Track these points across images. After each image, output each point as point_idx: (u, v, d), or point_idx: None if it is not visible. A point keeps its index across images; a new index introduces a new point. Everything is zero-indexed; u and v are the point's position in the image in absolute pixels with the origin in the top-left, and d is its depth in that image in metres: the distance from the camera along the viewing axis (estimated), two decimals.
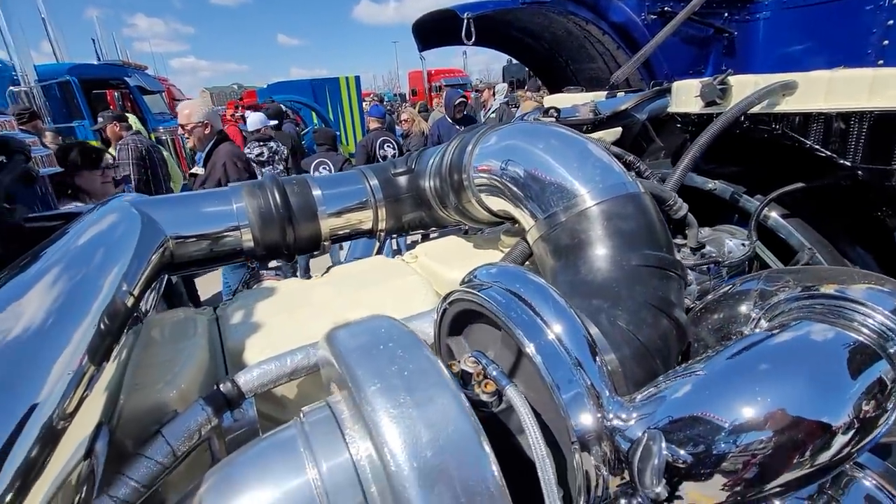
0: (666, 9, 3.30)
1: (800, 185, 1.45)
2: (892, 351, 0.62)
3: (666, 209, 1.27)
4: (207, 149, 4.02)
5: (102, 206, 1.32)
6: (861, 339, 0.61)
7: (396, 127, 8.62)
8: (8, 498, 0.43)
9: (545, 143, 1.09)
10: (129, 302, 0.91)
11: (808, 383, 0.55)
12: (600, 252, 0.90)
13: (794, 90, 1.33)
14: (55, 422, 0.54)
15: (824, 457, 0.56)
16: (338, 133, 10.04)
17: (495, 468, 0.53)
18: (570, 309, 0.70)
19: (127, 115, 7.15)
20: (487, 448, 0.53)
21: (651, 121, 2.14)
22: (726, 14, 3.42)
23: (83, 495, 0.56)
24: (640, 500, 0.62)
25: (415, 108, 11.14)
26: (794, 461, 0.54)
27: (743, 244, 1.44)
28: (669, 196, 1.26)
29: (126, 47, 17.12)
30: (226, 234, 1.45)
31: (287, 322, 1.19)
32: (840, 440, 0.55)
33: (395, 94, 40.34)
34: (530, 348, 0.65)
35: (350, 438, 0.60)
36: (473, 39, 2.67)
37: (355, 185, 1.66)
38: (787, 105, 1.37)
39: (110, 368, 0.74)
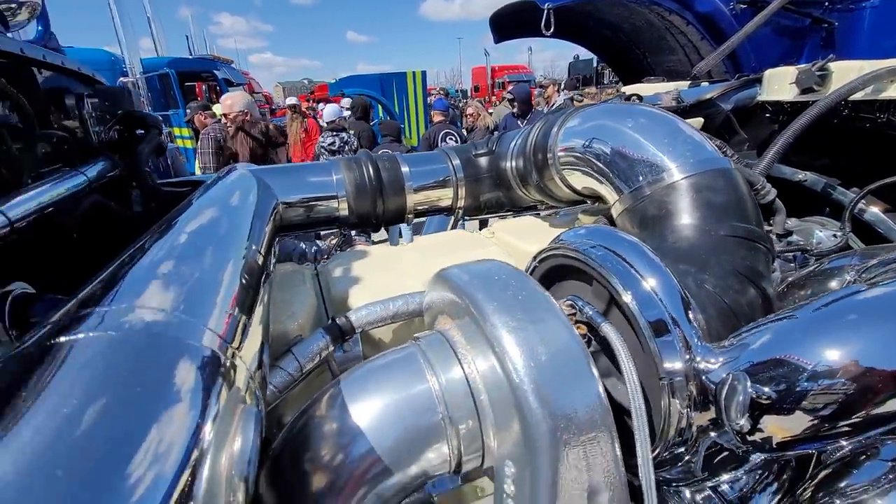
0: None
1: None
2: None
3: (752, 194, 1.27)
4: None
5: (226, 174, 1.53)
6: None
7: (459, 121, 8.76)
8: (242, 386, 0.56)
9: (634, 122, 1.13)
10: (260, 260, 1.05)
11: (893, 334, 0.58)
12: (687, 222, 0.95)
13: None
14: (234, 343, 0.64)
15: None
16: (402, 126, 10.36)
17: (601, 387, 0.60)
18: (662, 264, 0.76)
19: (210, 105, 7.79)
20: (594, 370, 0.61)
21: (736, 112, 2.09)
22: (827, 3, 3.19)
23: (262, 392, 0.69)
24: (725, 434, 0.67)
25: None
26: (869, 406, 0.57)
27: (834, 235, 1.40)
28: (757, 180, 1.25)
29: (212, 43, 18.51)
30: (325, 201, 1.62)
31: (381, 278, 1.32)
32: None
33: (457, 90, 40.62)
34: (627, 296, 0.72)
35: (462, 357, 0.71)
36: (553, 30, 2.70)
37: (439, 164, 1.78)
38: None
39: (259, 308, 0.88)
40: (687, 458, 0.77)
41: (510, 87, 8.20)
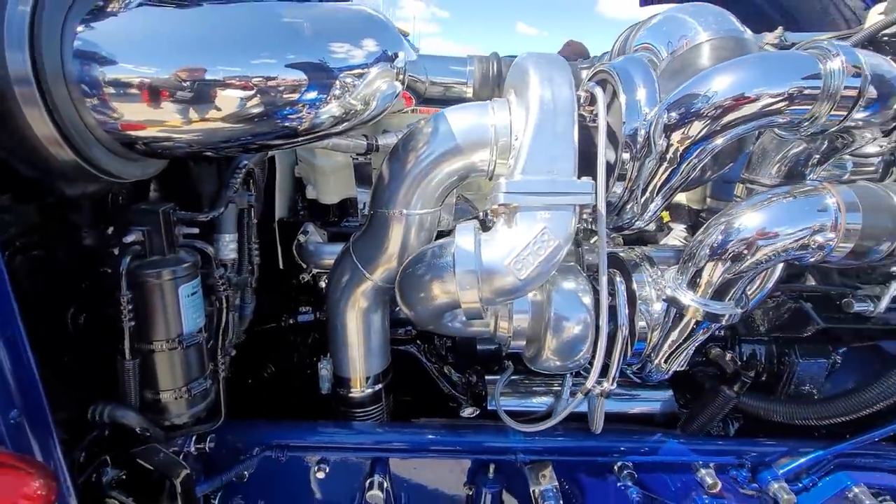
0: None
1: None
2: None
3: None
4: None
5: None
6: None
7: None
8: None
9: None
10: None
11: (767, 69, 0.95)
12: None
13: None
14: None
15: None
16: None
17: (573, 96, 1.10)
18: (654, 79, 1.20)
19: None
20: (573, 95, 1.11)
21: None
22: None
23: None
24: (650, 160, 1.11)
25: None
26: (739, 109, 0.96)
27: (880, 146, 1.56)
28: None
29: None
30: (458, 86, 2.23)
31: None
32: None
33: None
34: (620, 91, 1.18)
35: (511, 105, 1.24)
36: None
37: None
38: None
39: None
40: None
41: None
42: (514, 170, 1.09)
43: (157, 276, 0.94)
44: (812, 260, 1.02)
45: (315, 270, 1.77)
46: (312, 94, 1.00)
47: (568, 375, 1.64)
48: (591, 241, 1.73)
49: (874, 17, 1.74)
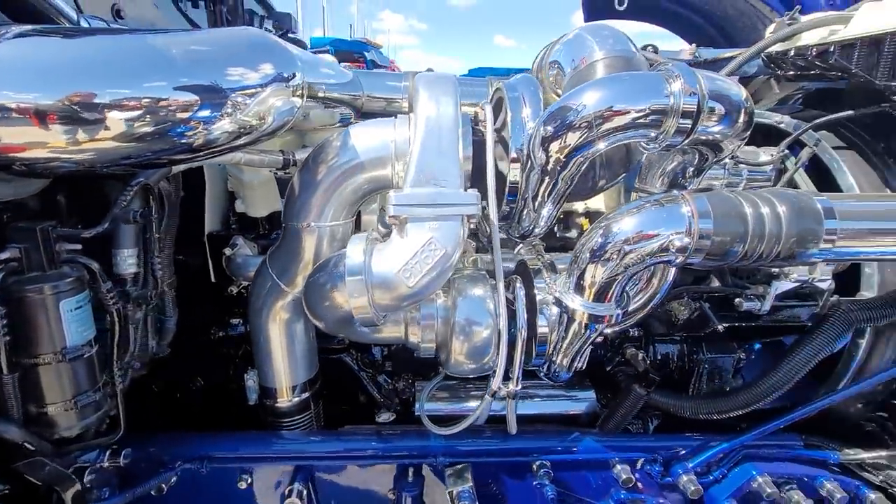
0: None
1: (846, 113, 1.61)
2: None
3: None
4: None
5: None
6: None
7: None
8: None
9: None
10: None
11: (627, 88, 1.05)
12: None
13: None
14: None
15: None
16: None
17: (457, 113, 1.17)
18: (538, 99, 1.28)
19: None
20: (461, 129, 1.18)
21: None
22: None
23: None
24: (535, 172, 1.18)
25: None
26: (612, 120, 1.04)
27: (771, 155, 1.68)
28: None
29: (372, 36, 21.00)
30: (395, 100, 2.30)
31: None
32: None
33: None
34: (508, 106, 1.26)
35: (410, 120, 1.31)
36: (626, 6, 3.06)
37: (482, 86, 2.36)
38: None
39: None
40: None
41: None
42: (404, 183, 1.15)
43: (37, 291, 0.96)
44: (677, 262, 1.10)
45: (244, 283, 1.80)
46: (204, 113, 1.05)
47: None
48: (516, 249, 1.81)
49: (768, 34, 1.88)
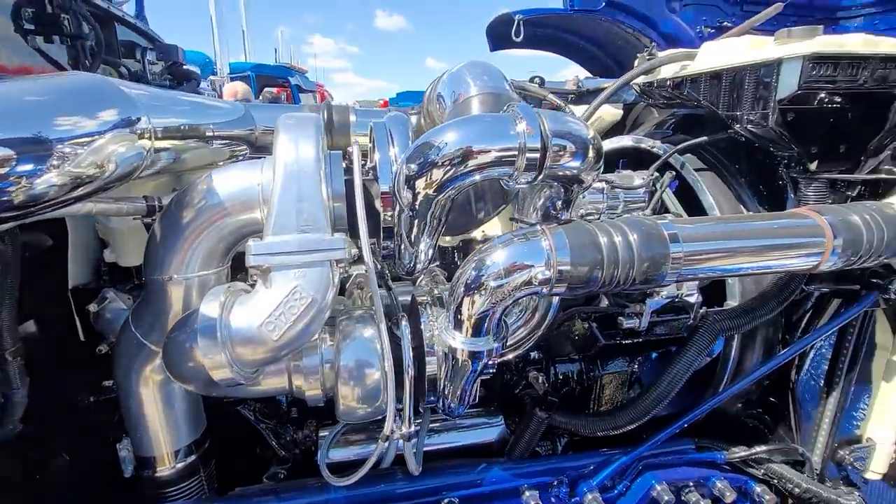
0: (725, 23, 3.49)
1: (702, 139, 1.78)
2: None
3: None
4: None
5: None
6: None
7: None
8: None
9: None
10: None
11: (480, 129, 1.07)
12: None
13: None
14: None
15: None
16: None
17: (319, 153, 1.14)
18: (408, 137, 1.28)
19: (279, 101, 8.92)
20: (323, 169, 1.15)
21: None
22: None
23: None
24: (405, 211, 1.17)
25: None
26: (473, 158, 1.05)
27: (642, 179, 1.80)
28: None
29: (301, 61, 20.69)
30: None
31: None
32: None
33: None
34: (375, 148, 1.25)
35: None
36: (522, 38, 3.23)
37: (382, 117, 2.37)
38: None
39: None
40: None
41: None
42: (265, 231, 1.10)
43: None
44: (543, 293, 1.13)
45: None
46: (25, 167, 0.94)
47: None
48: (418, 280, 1.79)
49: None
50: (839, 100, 1.38)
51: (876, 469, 1.74)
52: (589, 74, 4.13)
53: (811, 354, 1.81)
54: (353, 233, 1.28)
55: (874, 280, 1.51)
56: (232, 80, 11.46)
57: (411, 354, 1.29)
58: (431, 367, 1.37)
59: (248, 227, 1.26)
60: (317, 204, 1.11)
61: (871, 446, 1.73)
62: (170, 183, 1.68)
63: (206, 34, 12.44)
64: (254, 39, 16.49)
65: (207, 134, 1.67)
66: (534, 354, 1.81)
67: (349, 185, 1.24)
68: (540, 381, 1.70)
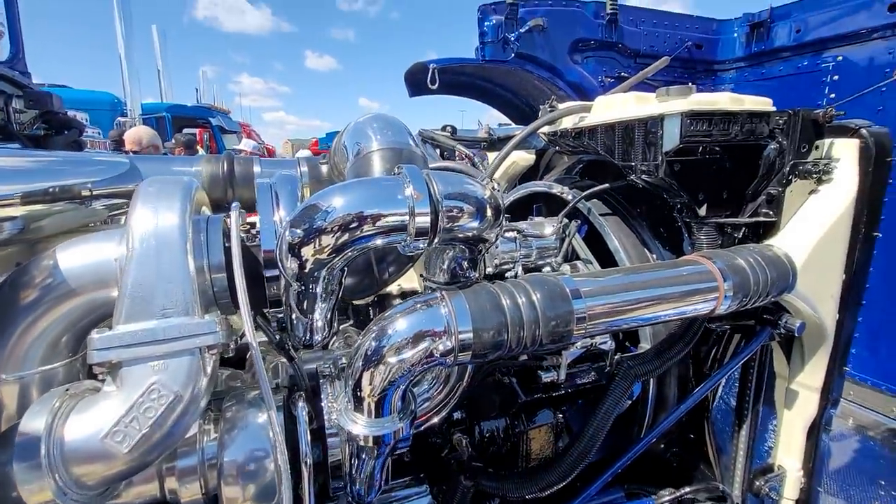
0: (623, 74, 3.81)
1: (605, 186, 1.85)
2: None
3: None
4: None
5: None
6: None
7: None
8: None
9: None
10: None
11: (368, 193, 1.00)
12: None
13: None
14: None
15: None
16: None
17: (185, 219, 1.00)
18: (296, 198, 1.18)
19: (195, 144, 8.44)
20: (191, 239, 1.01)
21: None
22: (689, 82, 3.86)
23: None
24: (290, 278, 1.05)
25: None
26: (360, 224, 0.98)
27: (552, 226, 1.82)
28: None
29: (227, 101, 20.00)
30: None
31: None
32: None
33: None
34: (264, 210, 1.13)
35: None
36: (437, 85, 3.29)
37: (290, 168, 2.24)
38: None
39: None
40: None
41: None
42: (114, 319, 0.93)
43: None
44: (448, 363, 1.05)
45: None
46: None
47: None
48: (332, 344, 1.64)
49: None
50: (718, 150, 1.48)
51: (788, 496, 1.80)
52: (507, 119, 4.30)
53: (719, 390, 1.87)
54: (237, 305, 1.14)
55: (766, 316, 1.60)
56: (144, 121, 10.79)
57: (308, 439, 1.13)
58: (336, 449, 1.22)
59: (103, 309, 1.07)
60: (180, 281, 0.96)
61: (782, 474, 1.80)
62: (10, 257, 1.43)
63: (118, 73, 11.67)
64: (175, 79, 15.74)
65: (82, 193, 1.49)
66: (457, 415, 1.71)
67: (227, 252, 1.10)
68: (464, 444, 1.59)
